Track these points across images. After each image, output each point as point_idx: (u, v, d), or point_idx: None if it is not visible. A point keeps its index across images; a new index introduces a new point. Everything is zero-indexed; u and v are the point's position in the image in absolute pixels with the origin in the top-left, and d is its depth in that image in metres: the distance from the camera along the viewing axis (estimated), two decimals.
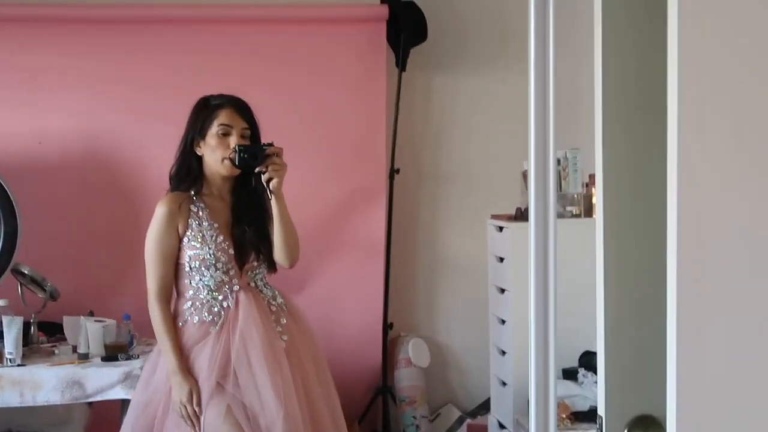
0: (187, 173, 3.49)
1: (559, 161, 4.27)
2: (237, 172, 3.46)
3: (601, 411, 1.76)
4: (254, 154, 3.37)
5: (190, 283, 3.44)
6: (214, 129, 3.43)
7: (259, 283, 3.53)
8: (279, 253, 3.50)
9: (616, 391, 1.75)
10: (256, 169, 3.41)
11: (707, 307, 1.43)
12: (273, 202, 3.42)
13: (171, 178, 3.53)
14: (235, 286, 3.45)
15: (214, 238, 3.43)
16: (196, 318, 3.42)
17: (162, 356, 3.45)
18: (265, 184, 3.41)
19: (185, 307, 3.44)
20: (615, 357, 1.74)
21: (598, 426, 1.77)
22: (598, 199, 1.74)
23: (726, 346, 1.44)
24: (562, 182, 4.21)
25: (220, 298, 3.43)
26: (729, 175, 1.44)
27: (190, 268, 3.43)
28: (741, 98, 1.41)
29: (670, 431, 1.45)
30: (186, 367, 3.36)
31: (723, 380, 1.44)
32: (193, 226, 3.43)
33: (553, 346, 1.59)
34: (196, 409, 3.31)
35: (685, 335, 1.42)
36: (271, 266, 3.55)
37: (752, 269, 1.44)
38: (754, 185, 1.45)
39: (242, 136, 3.44)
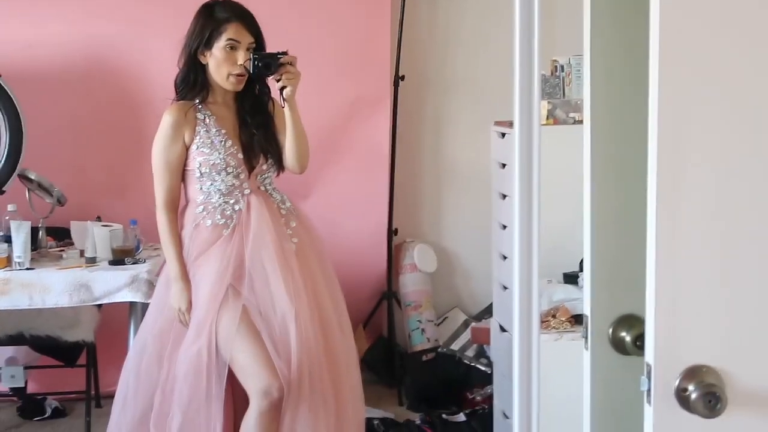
0: (194, 82, 3.50)
1: (563, 67, 4.25)
2: (240, 88, 3.49)
3: (587, 311, 1.80)
4: (268, 63, 3.39)
5: (201, 188, 3.48)
6: (222, 42, 3.43)
7: (269, 187, 3.58)
8: (290, 159, 3.54)
9: (602, 291, 1.79)
10: (270, 78, 3.44)
11: (684, 212, 1.46)
12: (286, 110, 3.45)
13: (177, 87, 3.54)
14: (246, 190, 3.50)
15: (223, 143, 3.46)
16: (209, 221, 3.46)
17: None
18: (279, 91, 3.43)
19: (197, 211, 3.48)
20: (601, 258, 1.78)
21: (584, 325, 1.82)
22: (585, 106, 1.76)
23: (701, 247, 1.47)
24: (566, 88, 4.19)
25: (232, 201, 3.47)
26: (708, 82, 1.45)
27: (201, 173, 3.46)
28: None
29: (648, 328, 1.49)
30: (187, 276, 3.43)
31: (698, 279, 1.47)
32: (201, 133, 3.46)
33: (537, 249, 1.62)
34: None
35: (663, 238, 1.46)
36: (279, 168, 3.59)
37: (728, 178, 1.47)
38: (735, 93, 1.46)
39: (248, 50, 3.45)
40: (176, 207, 3.51)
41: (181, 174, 3.49)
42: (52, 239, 4.44)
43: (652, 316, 1.47)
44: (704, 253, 1.47)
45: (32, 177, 4.34)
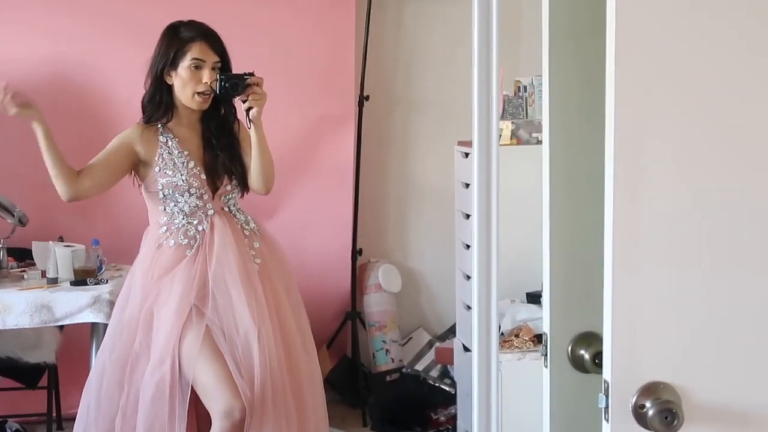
0: (160, 103, 3.52)
1: (525, 88, 4.28)
2: (206, 107, 3.51)
3: (546, 329, 1.81)
4: (235, 83, 3.40)
5: (165, 209, 3.49)
6: (187, 62, 3.45)
7: (233, 208, 3.59)
8: (256, 180, 3.55)
9: (561, 309, 1.80)
10: (236, 98, 3.46)
11: (642, 228, 1.47)
12: (252, 131, 3.46)
13: (144, 107, 3.56)
14: (210, 211, 3.50)
15: (185, 164, 3.47)
16: (172, 241, 3.46)
17: (134, 279, 3.50)
18: (245, 112, 3.44)
19: (160, 232, 3.49)
20: (559, 277, 1.79)
21: (543, 343, 1.82)
22: (543, 126, 1.78)
23: (658, 265, 1.48)
24: (528, 109, 4.23)
25: (195, 222, 3.48)
26: (667, 94, 1.47)
27: (164, 195, 3.47)
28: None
29: (606, 345, 1.50)
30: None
31: (655, 297, 1.49)
32: (164, 155, 3.48)
33: (495, 269, 1.63)
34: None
35: (620, 256, 1.47)
36: (244, 189, 3.59)
37: (686, 196, 1.48)
38: (693, 109, 1.48)
39: (213, 69, 3.47)
40: (82, 179, 3.47)
41: (112, 173, 3.51)
42: (13, 260, 4.41)
43: (609, 334, 1.48)
44: (661, 271, 1.48)
45: None
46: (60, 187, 3.44)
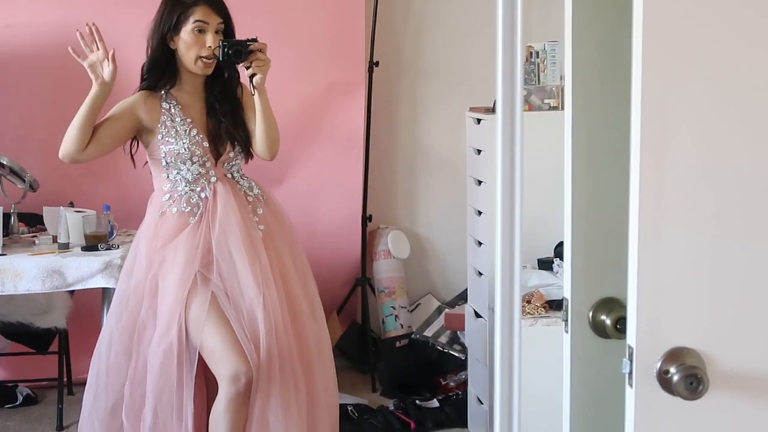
0: (164, 69, 3.51)
1: (538, 53, 4.25)
2: (210, 71, 3.49)
3: (567, 294, 1.80)
4: (238, 50, 3.37)
5: (168, 177, 3.49)
6: (190, 25, 3.44)
7: (236, 174, 3.57)
8: (260, 147, 3.53)
9: (582, 274, 1.79)
10: (240, 65, 3.43)
11: (667, 194, 1.47)
12: (256, 97, 3.44)
13: (145, 74, 3.55)
14: (212, 178, 3.49)
15: (187, 132, 3.46)
16: (175, 209, 3.45)
17: (139, 247, 3.49)
18: (248, 79, 3.42)
19: (164, 199, 3.48)
20: (580, 242, 1.78)
21: (564, 308, 1.82)
22: (566, 90, 1.76)
23: (683, 230, 1.48)
24: (540, 75, 4.20)
25: (198, 189, 3.47)
26: (693, 65, 1.46)
27: (167, 163, 3.46)
28: None
29: (630, 310, 1.49)
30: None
31: (680, 262, 1.48)
32: (167, 122, 3.47)
33: (519, 236, 1.62)
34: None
35: (646, 222, 1.46)
36: (247, 155, 3.58)
37: (712, 161, 1.47)
38: (718, 77, 1.47)
39: (217, 32, 3.46)
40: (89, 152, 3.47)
41: (114, 139, 3.50)
42: (24, 225, 4.41)
43: (634, 299, 1.47)
44: (686, 236, 1.47)
45: (4, 162, 4.30)
46: (68, 145, 3.42)
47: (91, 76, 3.38)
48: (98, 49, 3.39)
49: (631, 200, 1.48)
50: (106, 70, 3.37)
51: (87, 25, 3.42)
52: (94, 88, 3.38)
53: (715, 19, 1.45)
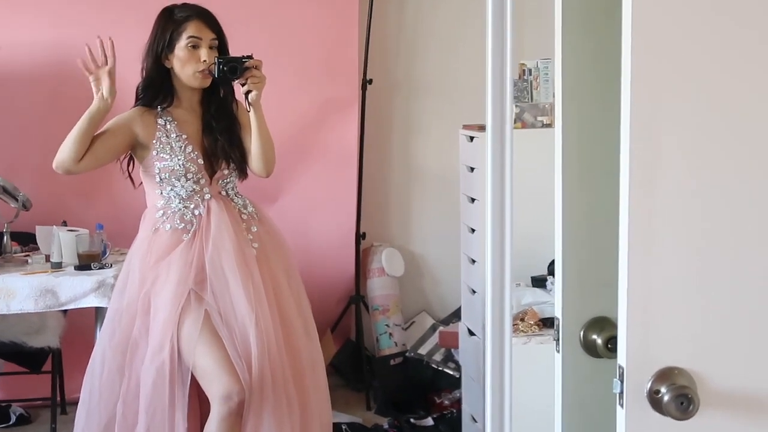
0: (159, 89, 3.51)
1: (530, 71, 4.26)
2: (208, 84, 3.50)
3: (558, 313, 1.80)
4: (234, 66, 3.39)
5: (161, 193, 3.48)
6: (183, 42, 3.45)
7: (230, 192, 3.57)
8: (256, 164, 3.53)
9: (573, 294, 1.79)
10: (235, 82, 3.43)
11: (657, 212, 1.46)
12: (251, 114, 3.45)
13: (140, 94, 3.55)
14: (207, 195, 3.49)
15: (182, 148, 3.46)
16: (168, 226, 3.45)
17: (132, 264, 3.48)
18: (243, 96, 3.43)
19: (157, 215, 3.48)
20: (571, 261, 1.78)
21: (555, 327, 1.82)
22: (556, 108, 1.76)
23: (674, 249, 1.48)
24: (533, 92, 4.21)
25: (192, 206, 3.47)
26: (682, 79, 1.46)
27: (161, 179, 3.46)
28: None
29: (621, 330, 1.49)
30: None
31: (670, 281, 1.48)
32: (162, 138, 3.47)
33: (509, 253, 1.62)
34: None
35: (636, 240, 1.46)
36: (242, 173, 3.58)
37: (702, 179, 1.47)
38: (707, 94, 1.47)
39: (211, 48, 3.46)
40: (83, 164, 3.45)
41: (109, 152, 3.48)
42: (17, 244, 4.40)
43: (624, 318, 1.47)
44: (677, 255, 1.47)
45: None
46: (63, 155, 3.41)
47: (94, 89, 3.39)
48: (106, 63, 3.39)
49: (620, 219, 1.48)
50: (105, 85, 3.38)
51: (99, 38, 3.41)
52: (95, 102, 3.39)
53: (705, 36, 1.45)
